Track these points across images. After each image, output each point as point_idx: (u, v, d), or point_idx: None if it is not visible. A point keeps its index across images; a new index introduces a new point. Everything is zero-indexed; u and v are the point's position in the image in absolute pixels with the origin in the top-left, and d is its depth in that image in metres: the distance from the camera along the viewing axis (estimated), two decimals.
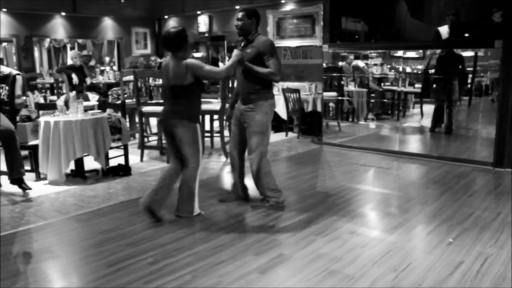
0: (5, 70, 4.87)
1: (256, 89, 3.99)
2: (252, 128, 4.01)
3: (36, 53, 11.81)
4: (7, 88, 5.16)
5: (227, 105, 6.04)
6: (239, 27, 3.99)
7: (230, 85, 6.31)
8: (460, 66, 6.56)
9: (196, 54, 13.56)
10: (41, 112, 5.74)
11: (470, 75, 6.46)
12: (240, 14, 3.98)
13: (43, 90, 9.59)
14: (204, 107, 5.98)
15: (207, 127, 6.89)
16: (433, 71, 6.96)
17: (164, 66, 3.89)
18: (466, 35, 6.14)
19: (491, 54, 5.98)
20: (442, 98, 6.74)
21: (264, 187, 4.15)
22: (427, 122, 7.10)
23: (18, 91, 4.81)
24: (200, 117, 4.14)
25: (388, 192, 4.72)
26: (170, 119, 3.81)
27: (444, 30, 6.22)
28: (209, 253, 3.22)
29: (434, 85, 7.01)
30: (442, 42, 6.35)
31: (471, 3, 6.13)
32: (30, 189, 4.72)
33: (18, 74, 4.90)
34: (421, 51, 7.19)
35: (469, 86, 6.57)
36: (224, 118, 4.19)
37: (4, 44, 11.62)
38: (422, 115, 7.35)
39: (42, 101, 6.68)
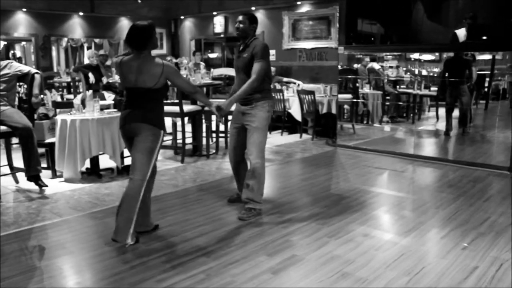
0: (24, 68, 4.94)
1: (257, 90, 3.95)
2: (255, 124, 3.95)
3: (54, 52, 11.94)
4: (25, 86, 5.23)
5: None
6: (240, 30, 4.00)
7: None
8: (467, 71, 6.53)
9: (211, 55, 13.63)
10: (58, 110, 5.82)
11: (487, 79, 6.39)
12: (241, 17, 4.00)
13: (60, 89, 9.72)
14: None
15: (222, 127, 6.92)
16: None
17: (124, 65, 3.37)
18: (484, 38, 6.07)
19: (510, 57, 5.91)
20: (451, 101, 6.69)
21: (255, 190, 3.98)
22: (442, 125, 7.04)
23: (35, 89, 4.88)
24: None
25: (402, 195, 4.69)
26: (135, 123, 3.34)
27: (461, 33, 6.16)
28: (222, 253, 3.23)
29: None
30: (459, 45, 6.29)
31: (489, 6, 6.06)
32: (46, 186, 4.78)
33: (37, 72, 4.97)
34: (437, 54, 7.14)
35: (485, 89, 6.50)
36: (218, 116, 3.97)
37: (23, 43, 11.78)
38: (438, 118, 7.29)
39: (59, 99, 6.76)
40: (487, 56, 6.41)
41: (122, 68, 3.39)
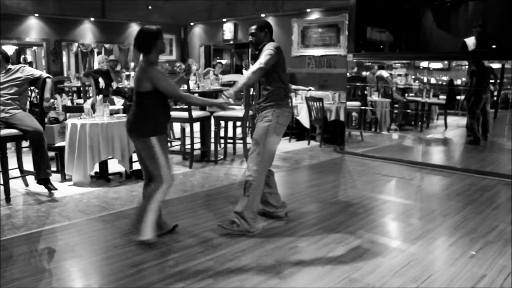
0: (36, 72, 5.00)
1: (267, 97, 3.79)
2: (254, 134, 3.81)
3: (65, 57, 12.07)
4: (36, 90, 5.29)
5: (250, 112, 6.11)
6: (253, 42, 3.87)
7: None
8: (492, 76, 6.51)
9: (221, 61, 13.68)
10: (68, 114, 5.87)
11: (497, 87, 6.37)
12: (253, 29, 3.85)
13: (70, 93, 9.81)
14: (226, 113, 6.07)
15: (230, 133, 6.95)
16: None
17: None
18: (493, 46, 6.06)
19: None
20: (477, 110, 6.68)
21: (243, 204, 3.73)
22: (451, 134, 7.03)
23: (47, 94, 4.93)
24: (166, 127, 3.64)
25: (409, 203, 4.68)
26: (127, 131, 3.59)
27: (470, 42, 6.16)
28: (230, 258, 3.24)
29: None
30: (468, 53, 6.28)
31: (498, 14, 6.05)
32: (56, 189, 4.82)
33: (48, 77, 5.02)
34: (446, 62, 7.13)
35: (495, 98, 6.48)
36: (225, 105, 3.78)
37: (35, 48, 11.92)
38: (446, 126, 7.27)
39: (69, 104, 6.82)
40: (497, 65, 6.39)
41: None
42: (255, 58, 3.91)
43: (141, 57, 3.48)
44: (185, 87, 5.95)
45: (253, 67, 3.68)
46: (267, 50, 3.69)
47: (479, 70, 6.59)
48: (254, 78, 3.69)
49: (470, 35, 6.15)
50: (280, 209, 4.09)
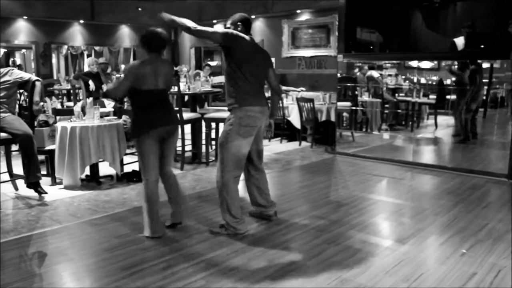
0: (25, 75, 4.97)
1: (230, 97, 3.64)
2: (218, 139, 3.73)
3: (54, 60, 12.01)
4: (26, 93, 5.26)
5: None
6: None
7: None
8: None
9: (211, 63, 13.65)
10: (58, 117, 5.84)
11: (486, 87, 6.42)
12: (228, 23, 3.78)
13: (60, 96, 9.76)
14: (216, 115, 6.07)
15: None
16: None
17: (149, 68, 3.56)
18: (482, 46, 6.12)
19: (508, 66, 5.95)
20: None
21: (223, 209, 3.70)
22: (441, 133, 7.07)
23: (36, 97, 4.90)
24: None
25: (401, 203, 4.71)
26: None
27: (460, 42, 6.21)
28: (222, 259, 3.24)
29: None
30: (457, 53, 6.33)
31: (487, 15, 6.11)
32: (46, 193, 4.79)
33: (38, 80, 4.99)
34: (435, 62, 7.18)
35: (484, 97, 6.54)
36: None
37: (23, 50, 11.84)
38: (437, 126, 7.32)
39: (59, 107, 6.79)
40: (486, 65, 6.44)
41: (147, 71, 3.54)
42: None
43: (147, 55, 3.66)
44: (176, 89, 5.94)
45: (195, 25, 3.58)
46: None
47: (477, 70, 6.65)
48: (184, 28, 3.64)
49: (459, 35, 6.20)
50: (269, 208, 4.05)
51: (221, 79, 8.89)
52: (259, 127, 3.70)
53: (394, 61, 7.63)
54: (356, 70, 7.98)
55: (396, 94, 7.83)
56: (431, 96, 7.33)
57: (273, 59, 9.57)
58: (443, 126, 7.06)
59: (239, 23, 3.73)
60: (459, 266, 3.14)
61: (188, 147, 6.47)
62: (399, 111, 7.84)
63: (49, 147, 5.25)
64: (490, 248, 3.45)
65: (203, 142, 6.52)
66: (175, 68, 10.26)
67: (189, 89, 6.48)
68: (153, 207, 3.65)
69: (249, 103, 3.57)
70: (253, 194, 4.00)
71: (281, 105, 8.09)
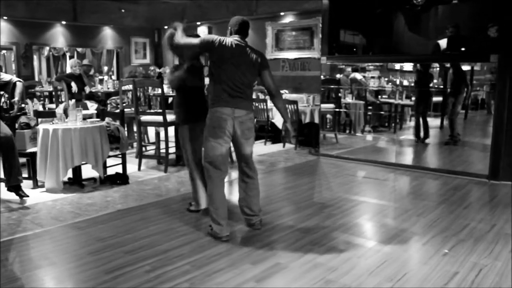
0: (6, 77, 4.91)
1: (209, 98, 3.77)
2: None
3: (35, 61, 11.86)
4: (6, 95, 5.18)
5: None
6: None
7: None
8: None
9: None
10: (39, 119, 5.76)
11: (466, 89, 6.52)
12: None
13: (42, 98, 9.63)
14: None
15: None
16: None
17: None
18: (463, 49, 6.21)
19: (487, 68, 6.05)
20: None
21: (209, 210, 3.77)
22: (423, 134, 7.14)
23: (17, 97, 4.84)
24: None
25: (384, 203, 4.75)
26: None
27: (443, 43, 6.30)
28: (206, 261, 3.23)
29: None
30: (438, 55, 6.42)
31: (467, 18, 6.21)
32: (28, 196, 4.72)
33: (19, 81, 4.93)
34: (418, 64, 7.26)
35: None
36: None
37: (4, 51, 11.67)
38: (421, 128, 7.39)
39: (41, 109, 6.70)
40: (467, 67, 6.54)
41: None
42: None
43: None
44: (159, 91, 5.91)
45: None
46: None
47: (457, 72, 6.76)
48: (182, 43, 3.79)
49: (442, 37, 6.29)
50: (252, 217, 3.90)
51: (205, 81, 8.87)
52: (233, 129, 3.64)
53: (377, 63, 7.70)
54: (338, 75, 8.03)
55: (379, 96, 7.91)
56: (413, 98, 7.41)
57: None
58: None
59: (229, 27, 3.80)
60: (442, 266, 3.18)
61: (172, 149, 6.44)
62: (382, 113, 7.91)
63: (30, 149, 5.18)
64: (471, 248, 3.50)
65: None
66: (158, 70, 10.23)
67: (172, 91, 6.45)
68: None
69: (219, 104, 3.61)
70: (240, 198, 3.95)
71: (265, 107, 8.10)
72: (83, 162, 5.15)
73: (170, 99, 6.89)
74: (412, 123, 7.53)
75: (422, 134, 7.04)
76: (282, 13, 9.55)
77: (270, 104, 8.30)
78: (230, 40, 3.67)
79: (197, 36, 4.10)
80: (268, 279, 2.98)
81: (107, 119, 5.58)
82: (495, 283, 2.93)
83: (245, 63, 3.66)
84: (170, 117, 6.02)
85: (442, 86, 6.88)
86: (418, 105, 7.09)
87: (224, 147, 3.65)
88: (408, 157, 7.00)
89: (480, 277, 3.00)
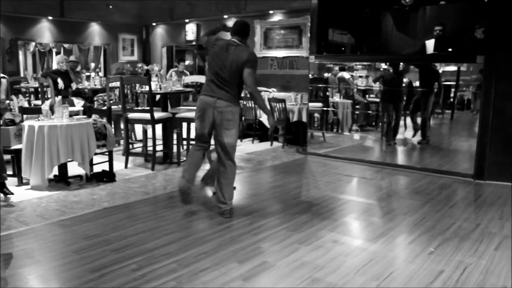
0: None
1: None
2: None
3: (21, 57, 11.71)
4: None
5: None
6: None
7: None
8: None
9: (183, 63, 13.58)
10: (25, 116, 5.69)
11: (453, 89, 6.58)
12: None
13: (27, 94, 9.51)
14: (188, 114, 6.05)
15: (193, 135, 6.89)
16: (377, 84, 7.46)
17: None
18: (450, 50, 6.27)
19: (473, 69, 6.11)
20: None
21: None
22: (410, 134, 7.20)
23: (2, 95, 4.78)
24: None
25: (371, 202, 4.78)
26: None
27: (430, 44, 6.35)
28: (193, 260, 3.22)
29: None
30: (426, 56, 6.47)
31: (454, 20, 6.26)
32: (12, 194, 4.66)
33: (3, 77, 4.88)
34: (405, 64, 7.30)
35: (451, 99, 6.69)
36: None
37: None
38: (406, 127, 7.44)
39: (26, 105, 6.62)
40: (453, 68, 6.60)
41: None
42: None
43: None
44: (147, 88, 5.88)
45: None
46: None
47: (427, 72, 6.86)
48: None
49: (430, 38, 6.34)
50: (223, 205, 4.19)
51: (193, 78, 8.84)
52: (213, 117, 4.09)
53: (365, 63, 7.74)
54: (327, 73, 8.05)
55: (367, 95, 7.94)
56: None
57: None
58: (411, 127, 7.18)
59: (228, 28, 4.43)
60: (427, 264, 3.20)
61: (159, 147, 6.40)
62: (370, 112, 7.95)
63: (15, 146, 5.11)
64: (456, 247, 3.53)
65: (175, 142, 6.47)
66: (145, 67, 10.17)
67: (160, 88, 6.42)
68: None
69: (204, 93, 4.18)
70: (216, 181, 4.27)
71: (253, 105, 8.10)
72: (69, 160, 5.10)
73: (158, 97, 6.84)
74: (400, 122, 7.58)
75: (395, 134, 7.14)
76: (271, 12, 9.55)
77: None
78: (224, 40, 4.19)
79: (225, 27, 4.63)
80: (255, 277, 2.98)
81: (94, 116, 5.52)
82: (479, 281, 2.96)
83: (226, 59, 4.08)
84: (158, 114, 5.99)
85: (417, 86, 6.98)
86: (384, 106, 7.19)
87: (203, 128, 4.18)
88: (395, 156, 7.05)
89: (465, 276, 3.03)
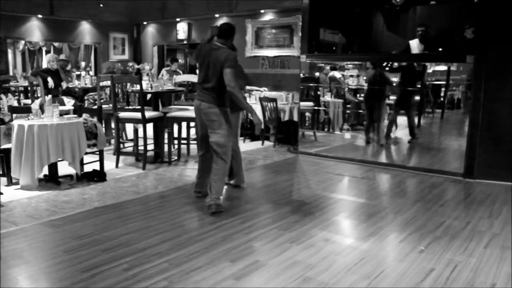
0: None
1: None
2: None
3: (10, 55, 11.61)
4: None
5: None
6: None
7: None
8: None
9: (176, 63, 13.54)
10: (14, 115, 5.64)
11: (443, 89, 6.63)
12: None
13: (17, 93, 9.45)
14: (179, 114, 6.03)
15: (184, 134, 6.88)
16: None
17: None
18: (440, 49, 6.31)
19: (463, 69, 6.16)
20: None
21: None
22: (401, 133, 7.24)
23: None
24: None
25: (362, 201, 4.80)
26: None
27: (414, 43, 6.39)
28: (185, 259, 3.22)
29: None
30: (416, 55, 6.50)
31: (444, 20, 6.30)
32: (1, 194, 4.62)
33: None
34: (396, 63, 7.34)
35: (441, 99, 6.74)
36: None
37: None
38: (397, 126, 7.48)
39: (15, 104, 6.56)
40: (443, 67, 6.64)
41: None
42: None
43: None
44: (138, 87, 5.85)
45: None
46: None
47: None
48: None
49: (414, 37, 6.39)
50: (208, 198, 4.34)
51: (185, 77, 8.82)
52: (201, 118, 4.39)
53: (356, 62, 7.77)
54: (318, 73, 8.07)
55: (358, 95, 7.97)
56: (391, 97, 7.50)
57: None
58: (403, 126, 7.23)
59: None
60: (418, 263, 3.22)
61: (150, 147, 6.38)
62: (361, 111, 7.98)
63: (5, 145, 5.06)
64: (447, 245, 3.56)
65: (166, 141, 6.44)
66: (136, 66, 10.11)
67: (151, 87, 6.40)
68: None
69: (195, 98, 4.50)
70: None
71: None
72: (59, 159, 5.07)
73: (149, 96, 6.82)
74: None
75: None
76: (262, 11, 9.53)
77: (249, 101, 8.30)
78: (209, 44, 4.41)
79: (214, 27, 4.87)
80: (247, 276, 2.98)
81: (84, 115, 5.49)
82: (469, 279, 2.99)
83: (212, 63, 4.24)
84: (149, 113, 5.96)
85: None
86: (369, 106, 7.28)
87: (201, 130, 4.49)
88: (385, 155, 7.08)
89: (455, 273, 3.06)
